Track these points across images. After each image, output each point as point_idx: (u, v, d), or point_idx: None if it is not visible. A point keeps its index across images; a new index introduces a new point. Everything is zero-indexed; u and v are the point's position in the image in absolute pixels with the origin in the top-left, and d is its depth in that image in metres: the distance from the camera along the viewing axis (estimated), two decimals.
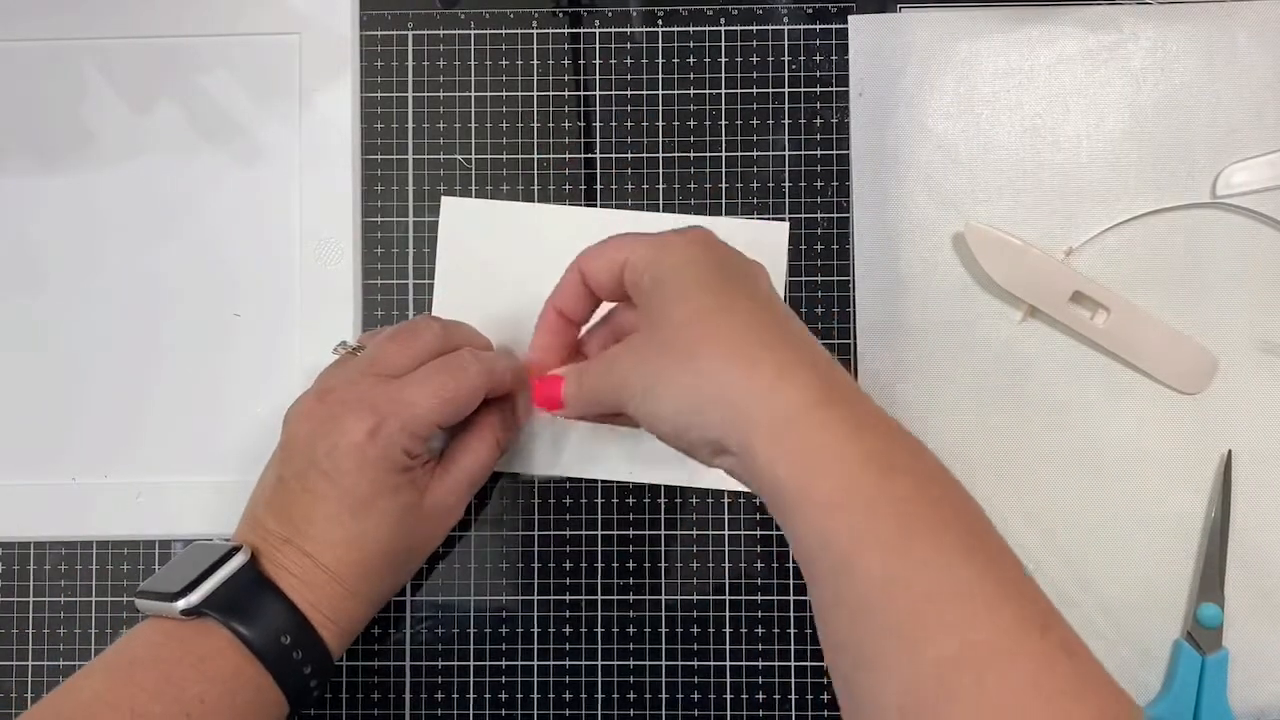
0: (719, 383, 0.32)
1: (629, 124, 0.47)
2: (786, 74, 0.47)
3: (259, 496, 0.40)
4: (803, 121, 0.46)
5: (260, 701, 0.37)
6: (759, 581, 0.45)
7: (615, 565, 0.45)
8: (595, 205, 0.46)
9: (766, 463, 0.30)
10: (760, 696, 0.45)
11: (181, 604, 0.36)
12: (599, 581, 0.45)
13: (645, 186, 0.46)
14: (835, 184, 0.46)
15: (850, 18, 0.46)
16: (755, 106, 0.46)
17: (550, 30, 0.47)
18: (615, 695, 0.45)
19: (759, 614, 0.45)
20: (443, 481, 0.41)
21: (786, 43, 0.47)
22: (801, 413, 0.31)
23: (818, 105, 0.46)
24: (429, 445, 0.40)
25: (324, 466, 0.38)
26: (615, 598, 0.45)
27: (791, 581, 0.45)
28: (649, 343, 0.34)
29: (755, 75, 0.47)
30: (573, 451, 0.45)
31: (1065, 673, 0.27)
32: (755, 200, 0.46)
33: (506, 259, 0.46)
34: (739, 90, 0.47)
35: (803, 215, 0.46)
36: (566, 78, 0.47)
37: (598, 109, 0.47)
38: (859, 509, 0.29)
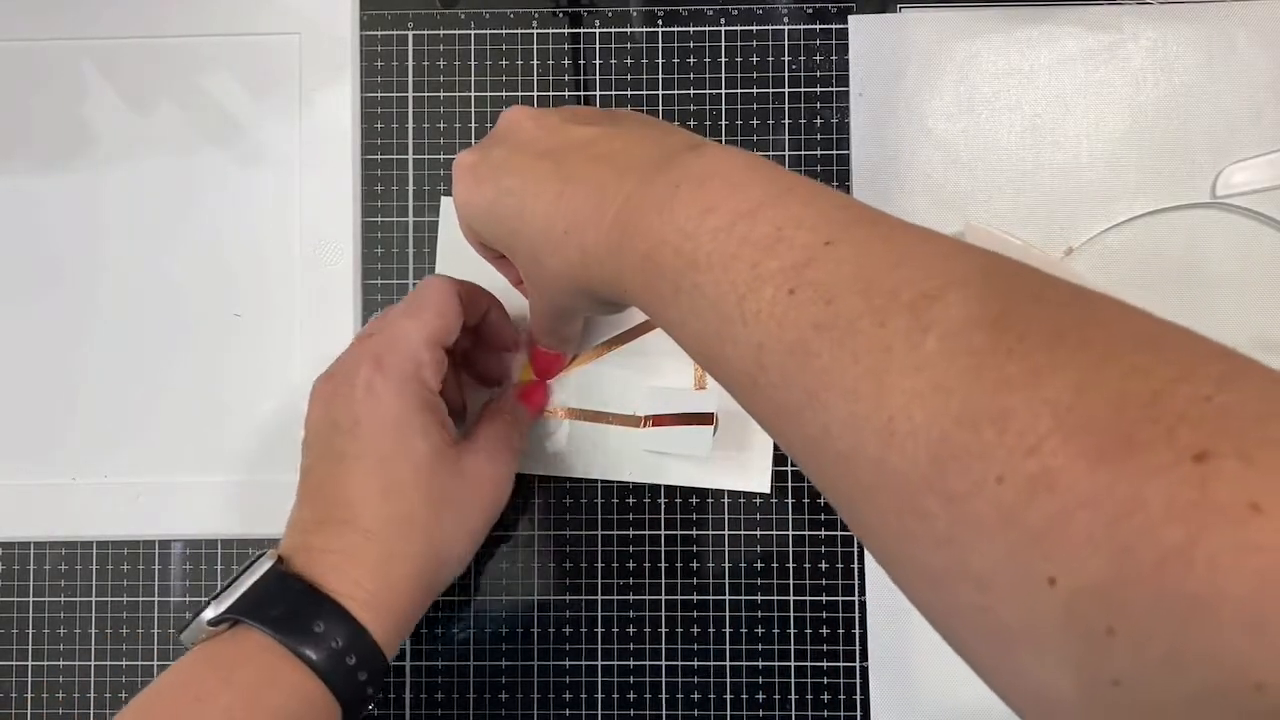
0: (563, 284, 0.34)
1: None
2: (786, 74, 0.47)
3: (295, 502, 0.39)
4: (803, 121, 0.46)
5: (299, 704, 0.34)
6: (759, 581, 0.45)
7: (615, 565, 0.45)
8: None
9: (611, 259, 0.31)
10: (760, 696, 0.45)
11: (208, 613, 0.34)
12: (599, 581, 0.45)
13: None
14: (835, 184, 0.46)
15: (850, 18, 0.46)
16: (755, 106, 0.46)
17: (550, 30, 0.47)
18: (615, 695, 0.45)
19: (759, 614, 0.45)
20: (474, 442, 0.40)
21: (786, 43, 0.47)
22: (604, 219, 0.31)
23: (818, 105, 0.46)
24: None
25: (345, 427, 0.37)
26: (615, 598, 0.45)
27: (791, 582, 0.45)
28: (527, 285, 0.37)
29: (755, 75, 0.47)
30: (573, 451, 0.45)
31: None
32: None
33: None
34: (739, 90, 0.47)
35: None
36: (566, 78, 0.47)
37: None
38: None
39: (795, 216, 0.27)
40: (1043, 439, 0.20)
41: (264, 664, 0.34)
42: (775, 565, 0.45)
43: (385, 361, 0.37)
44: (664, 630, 0.45)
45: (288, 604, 0.34)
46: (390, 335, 0.38)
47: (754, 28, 0.47)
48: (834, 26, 0.47)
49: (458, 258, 0.46)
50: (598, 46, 0.47)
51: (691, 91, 0.47)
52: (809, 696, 0.45)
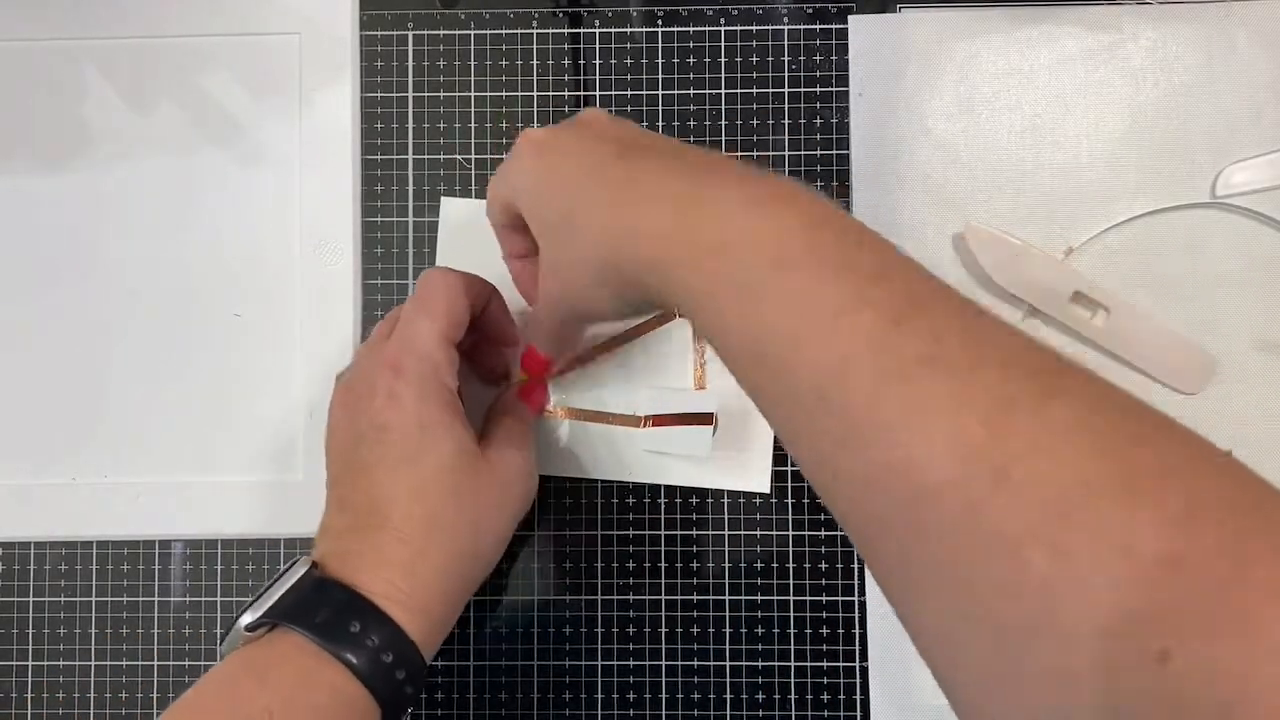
0: (600, 255, 0.32)
1: None
2: (786, 74, 0.47)
3: (325, 509, 0.39)
4: (803, 121, 0.46)
5: (337, 704, 0.34)
6: (759, 581, 0.45)
7: (615, 565, 0.45)
8: None
9: (672, 281, 0.30)
10: (760, 696, 0.45)
11: (245, 619, 0.34)
12: (599, 581, 0.45)
13: None
14: (835, 184, 0.46)
15: (850, 18, 0.46)
16: (755, 106, 0.46)
17: (550, 30, 0.47)
18: (615, 695, 0.45)
19: (759, 614, 0.45)
20: (495, 438, 0.40)
21: (786, 43, 0.47)
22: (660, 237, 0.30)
23: (818, 105, 0.46)
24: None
25: (369, 434, 0.37)
26: (615, 598, 0.45)
27: (791, 582, 0.45)
28: (547, 273, 0.36)
29: (755, 75, 0.47)
30: (573, 451, 0.45)
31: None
32: None
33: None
34: (739, 90, 0.47)
35: None
36: (566, 78, 0.47)
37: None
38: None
39: (899, 260, 0.27)
40: (1176, 521, 0.21)
41: (301, 665, 0.34)
42: (775, 565, 0.45)
43: (404, 366, 0.37)
44: (664, 630, 0.45)
45: (324, 606, 0.34)
46: (405, 338, 0.38)
47: (754, 28, 0.47)
48: (834, 26, 0.47)
49: (458, 258, 0.46)
50: (598, 46, 0.47)
51: (691, 91, 0.47)
52: (809, 696, 0.45)
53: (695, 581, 0.45)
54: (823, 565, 0.45)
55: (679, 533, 0.45)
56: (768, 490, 0.45)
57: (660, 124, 0.47)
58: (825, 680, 0.45)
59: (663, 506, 0.45)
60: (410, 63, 0.47)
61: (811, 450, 0.27)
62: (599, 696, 0.45)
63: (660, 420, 0.44)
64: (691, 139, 0.46)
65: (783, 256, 0.27)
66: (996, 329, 0.26)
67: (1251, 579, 0.20)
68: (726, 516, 0.45)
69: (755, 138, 0.46)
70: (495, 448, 0.39)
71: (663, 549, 0.45)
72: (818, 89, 0.47)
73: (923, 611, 0.25)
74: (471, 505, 0.38)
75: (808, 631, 0.45)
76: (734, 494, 0.45)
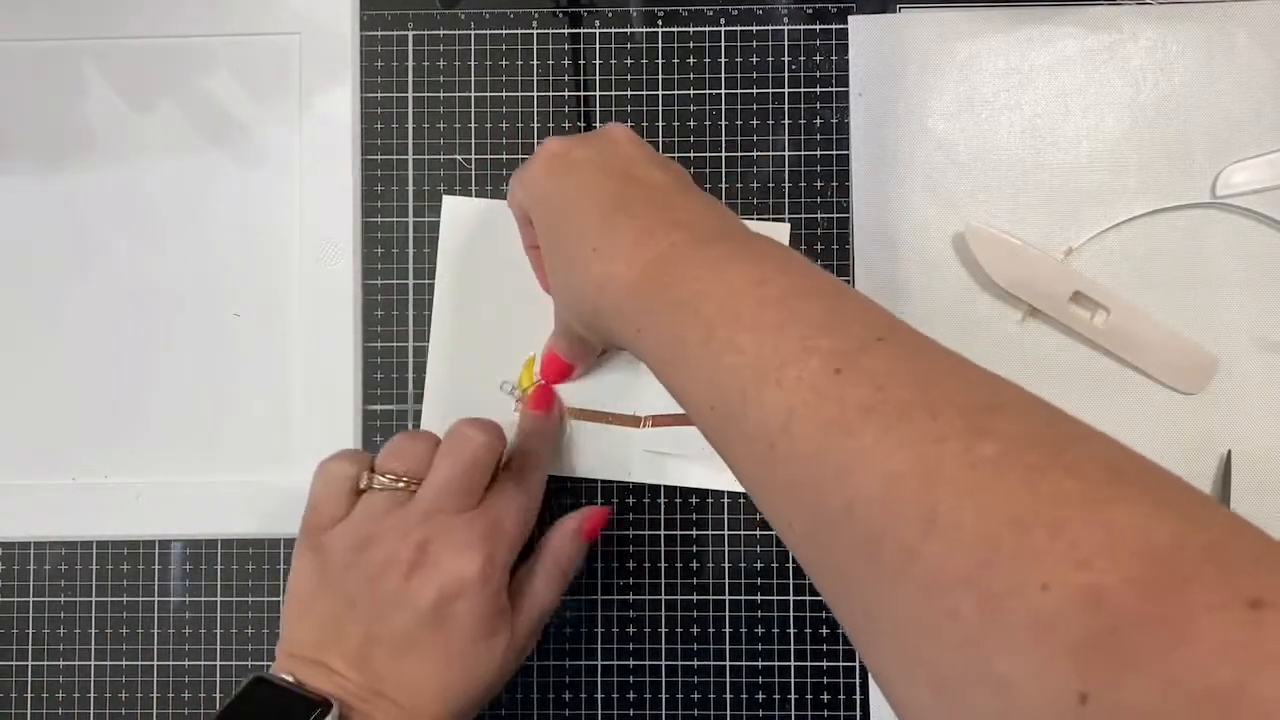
0: (578, 299, 0.34)
1: (629, 124, 0.47)
2: (786, 74, 0.47)
3: (325, 642, 0.38)
4: (803, 121, 0.46)
5: None
6: (759, 581, 0.45)
7: (615, 565, 0.45)
8: None
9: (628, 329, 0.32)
10: (760, 696, 0.45)
11: None
12: (599, 581, 0.45)
13: None
14: (835, 184, 0.46)
15: (850, 18, 0.46)
16: (755, 106, 0.46)
17: (550, 30, 0.47)
18: (615, 695, 0.45)
19: (759, 614, 0.45)
20: (520, 611, 0.40)
21: (786, 43, 0.47)
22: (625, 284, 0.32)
23: (818, 105, 0.46)
24: None
25: (429, 617, 0.36)
26: (615, 598, 0.45)
27: (791, 581, 0.45)
28: (550, 283, 0.38)
29: (755, 75, 0.47)
30: (573, 451, 0.45)
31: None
32: (755, 200, 0.46)
33: (507, 259, 0.46)
34: (739, 90, 0.47)
35: (803, 215, 0.46)
36: (566, 78, 0.47)
37: (598, 109, 0.47)
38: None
39: (848, 308, 0.28)
40: (1095, 554, 0.20)
41: None
42: (775, 565, 0.45)
43: (493, 561, 0.37)
44: (664, 630, 0.45)
45: None
46: (493, 529, 0.38)
47: (754, 28, 0.47)
48: (834, 26, 0.47)
49: (458, 258, 0.46)
50: (598, 46, 0.47)
51: (691, 91, 0.47)
52: (809, 696, 0.45)
53: (695, 581, 0.45)
54: None
55: (679, 533, 0.45)
56: None
57: (660, 124, 0.47)
58: (825, 680, 0.45)
59: (663, 506, 0.45)
60: (410, 63, 0.47)
61: (768, 500, 0.28)
62: (599, 696, 0.45)
63: (660, 420, 0.44)
64: (692, 139, 0.46)
65: (738, 314, 0.28)
66: (939, 369, 0.26)
67: (1163, 614, 0.19)
68: (726, 516, 0.45)
69: (755, 138, 0.46)
70: (526, 605, 0.39)
71: (663, 549, 0.45)
72: (818, 89, 0.47)
73: (872, 657, 0.25)
74: (496, 688, 0.39)
75: (808, 631, 0.45)
76: (734, 494, 0.45)
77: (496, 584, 0.38)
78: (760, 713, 0.45)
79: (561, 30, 0.47)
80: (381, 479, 0.39)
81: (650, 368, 0.32)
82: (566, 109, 0.47)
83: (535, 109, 0.47)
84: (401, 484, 0.39)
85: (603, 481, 0.45)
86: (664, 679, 0.45)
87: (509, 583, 0.39)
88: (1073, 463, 0.22)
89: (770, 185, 0.46)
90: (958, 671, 0.21)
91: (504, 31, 0.47)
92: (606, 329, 0.34)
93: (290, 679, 0.36)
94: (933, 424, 0.24)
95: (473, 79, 0.47)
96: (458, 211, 0.46)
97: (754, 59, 0.47)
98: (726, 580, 0.45)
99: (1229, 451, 0.44)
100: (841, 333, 0.27)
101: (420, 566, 0.37)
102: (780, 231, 0.46)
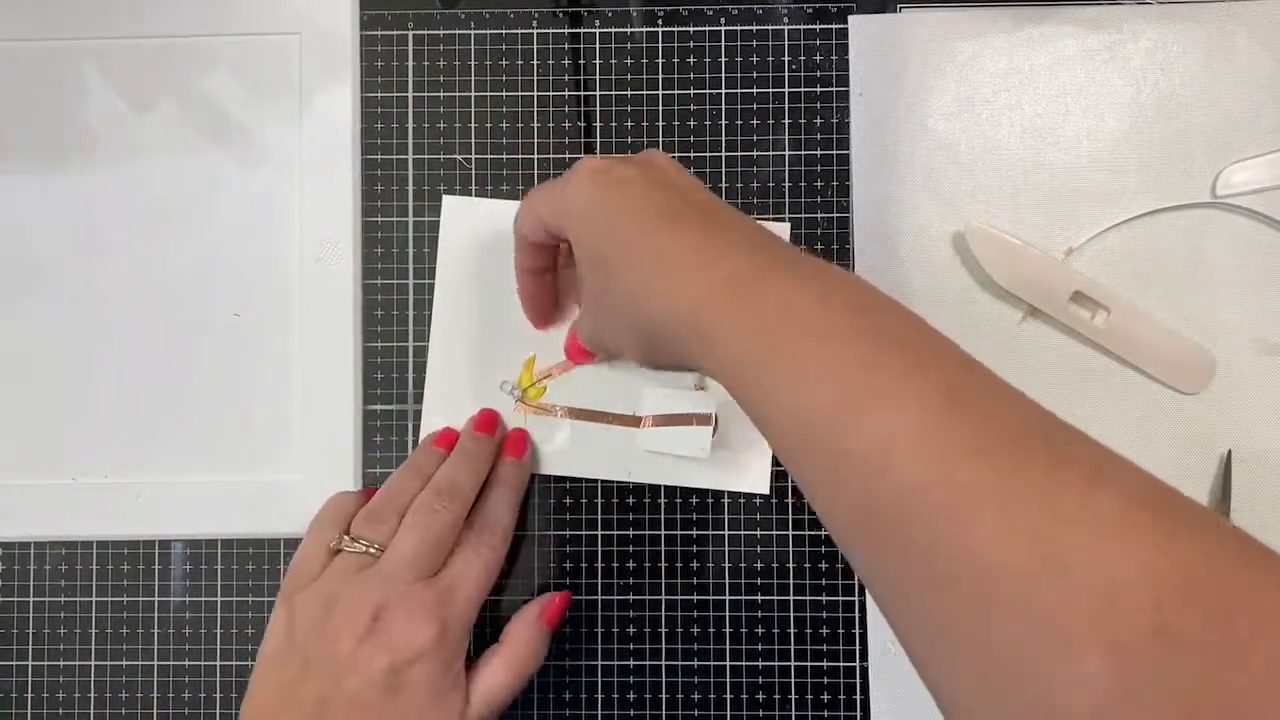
0: (641, 311, 0.33)
1: (629, 124, 0.47)
2: (786, 74, 0.47)
3: (284, 702, 0.38)
4: (803, 121, 0.46)
5: None
6: (759, 581, 0.45)
7: (615, 565, 0.45)
8: None
9: (723, 353, 0.30)
10: (760, 696, 0.45)
11: None
12: (599, 581, 0.45)
13: None
14: (835, 184, 0.46)
15: (850, 18, 0.46)
16: (755, 106, 0.46)
17: (550, 30, 0.47)
18: (615, 695, 0.45)
19: (759, 614, 0.45)
20: (476, 694, 0.40)
21: (786, 43, 0.47)
22: (704, 304, 0.31)
23: (818, 105, 0.46)
24: None
25: (381, 684, 0.37)
26: (615, 598, 0.45)
27: (791, 581, 0.45)
28: (586, 301, 0.38)
29: (755, 75, 0.47)
30: (573, 451, 0.45)
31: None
32: (755, 200, 0.46)
33: (507, 259, 0.46)
34: (739, 90, 0.47)
35: (803, 215, 0.46)
36: (566, 78, 0.47)
37: (598, 109, 0.47)
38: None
39: (938, 343, 0.28)
40: (1214, 615, 0.21)
41: None
42: (775, 565, 0.45)
43: (447, 630, 0.38)
44: (664, 630, 0.45)
45: None
46: (448, 596, 0.39)
47: (754, 28, 0.47)
48: (834, 26, 0.47)
49: (458, 257, 0.46)
50: (598, 46, 0.47)
51: (691, 91, 0.47)
52: (809, 696, 0.45)
53: (695, 581, 0.45)
54: (823, 565, 0.45)
55: (679, 533, 0.45)
56: (767, 491, 0.45)
57: (660, 124, 0.47)
58: (825, 680, 0.45)
59: (663, 506, 0.45)
60: (410, 63, 0.47)
61: (857, 528, 0.27)
62: (599, 696, 0.45)
63: (660, 420, 0.44)
64: (692, 139, 0.46)
65: (830, 334, 0.28)
66: (1037, 416, 0.26)
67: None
68: (726, 516, 0.45)
69: (755, 138, 0.46)
70: (483, 689, 0.40)
71: (663, 549, 0.45)
72: (818, 89, 0.47)
73: (945, 678, 0.25)
74: None
75: (808, 631, 0.45)
76: (734, 494, 0.45)
77: (450, 653, 0.38)
78: (760, 713, 0.45)
79: (561, 30, 0.47)
80: (352, 543, 0.40)
81: (725, 384, 0.31)
82: (566, 109, 0.47)
83: (535, 109, 0.47)
84: (371, 549, 0.40)
85: (603, 481, 0.45)
86: (664, 679, 0.45)
87: (467, 665, 0.40)
88: (1175, 529, 0.23)
89: (770, 185, 0.46)
90: (1068, 712, 0.22)
91: (504, 31, 0.47)
92: (669, 344, 0.32)
93: None
94: (1050, 469, 0.24)
95: (473, 79, 0.47)
96: (458, 211, 0.46)
97: (754, 59, 0.47)
98: (726, 580, 0.45)
99: (1229, 451, 0.44)
100: (940, 371, 0.27)
101: (374, 634, 0.37)
102: (780, 231, 0.46)
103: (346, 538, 0.40)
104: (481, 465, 0.43)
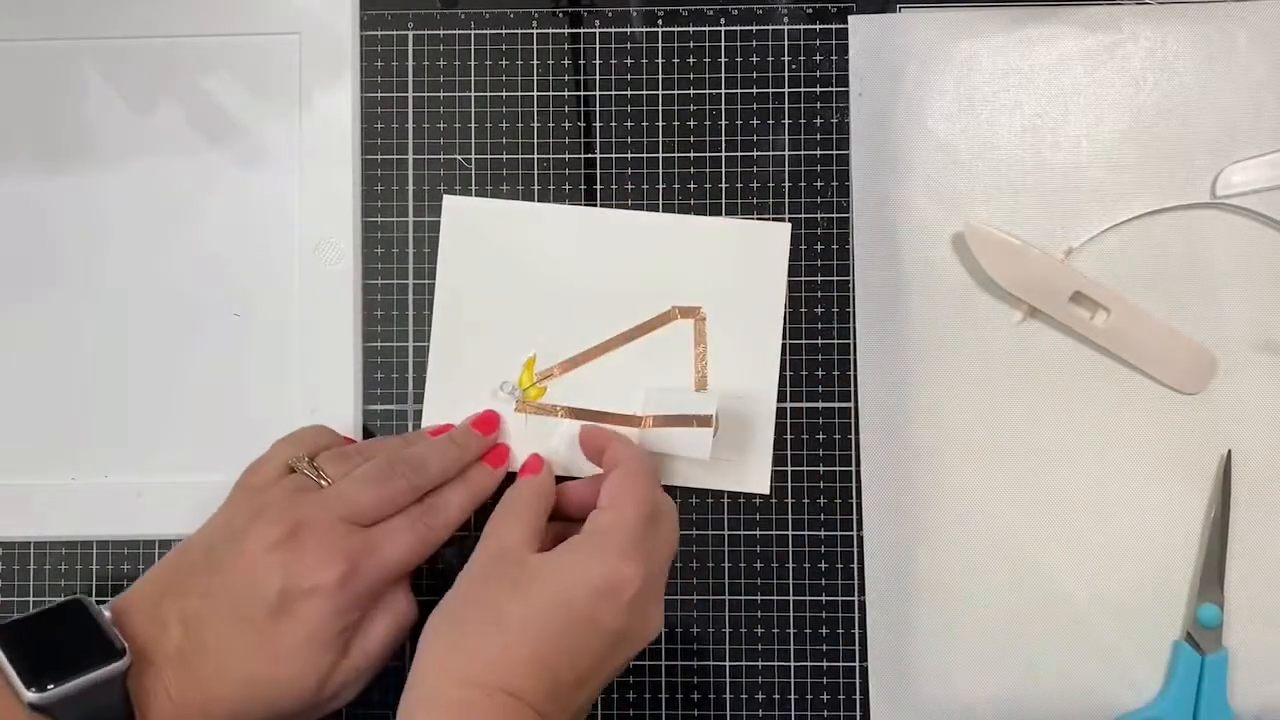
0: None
1: (629, 124, 0.47)
2: (786, 74, 0.47)
3: (175, 577, 0.37)
4: (803, 121, 0.46)
5: None
6: (759, 581, 0.45)
7: None
8: (595, 205, 0.46)
9: None
10: (760, 696, 0.45)
11: (33, 696, 0.32)
12: None
13: (645, 186, 0.46)
14: (835, 184, 0.46)
15: (850, 18, 0.46)
16: (755, 106, 0.46)
17: (550, 30, 0.47)
18: (615, 695, 0.45)
19: (759, 614, 0.45)
20: (353, 647, 0.39)
21: (786, 43, 0.47)
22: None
23: (818, 105, 0.46)
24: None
25: (272, 602, 0.36)
26: None
27: (791, 581, 0.45)
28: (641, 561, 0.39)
29: (755, 75, 0.47)
30: (573, 451, 0.45)
31: None
32: (755, 200, 0.46)
33: (507, 258, 0.46)
34: (739, 90, 0.47)
35: (803, 215, 0.46)
36: (566, 78, 0.47)
37: (598, 109, 0.47)
38: None
39: None
40: None
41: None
42: (775, 565, 0.45)
43: (352, 578, 0.37)
44: (664, 630, 0.45)
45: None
46: (371, 552, 0.38)
47: (754, 28, 0.47)
48: (834, 26, 0.47)
49: (459, 257, 0.46)
50: (598, 46, 0.47)
51: (691, 91, 0.47)
52: (809, 696, 0.45)
53: (695, 581, 0.45)
54: (823, 565, 0.45)
55: (679, 533, 0.45)
56: (767, 491, 0.45)
57: (660, 124, 0.47)
58: (825, 680, 0.45)
59: None
60: (410, 63, 0.47)
61: None
62: (599, 696, 0.45)
63: (660, 421, 0.44)
64: (691, 139, 0.46)
65: None
66: None
67: None
68: (726, 516, 0.45)
69: (755, 138, 0.46)
70: (359, 645, 0.39)
71: None
72: (818, 89, 0.47)
73: None
74: (291, 713, 0.37)
75: (808, 631, 0.45)
76: (734, 494, 0.45)
77: (346, 603, 0.37)
78: (760, 713, 0.45)
79: (561, 30, 0.47)
80: (309, 467, 0.40)
81: None
82: (566, 109, 0.47)
83: (535, 109, 0.47)
84: (322, 481, 0.39)
85: None
86: (664, 679, 0.45)
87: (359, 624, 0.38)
88: None
89: (770, 185, 0.46)
90: None
91: (504, 31, 0.47)
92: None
93: (107, 615, 0.35)
94: None
95: (473, 79, 0.47)
96: (458, 211, 0.46)
97: (754, 59, 0.47)
98: (726, 580, 0.45)
99: (1229, 451, 0.44)
100: None
101: (282, 547, 0.36)
102: (780, 231, 0.46)
103: (306, 461, 0.40)
104: (459, 457, 0.43)
